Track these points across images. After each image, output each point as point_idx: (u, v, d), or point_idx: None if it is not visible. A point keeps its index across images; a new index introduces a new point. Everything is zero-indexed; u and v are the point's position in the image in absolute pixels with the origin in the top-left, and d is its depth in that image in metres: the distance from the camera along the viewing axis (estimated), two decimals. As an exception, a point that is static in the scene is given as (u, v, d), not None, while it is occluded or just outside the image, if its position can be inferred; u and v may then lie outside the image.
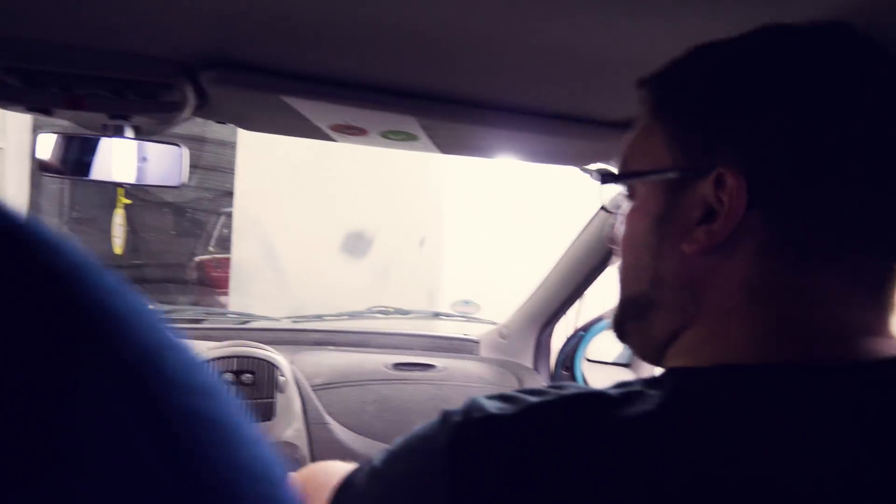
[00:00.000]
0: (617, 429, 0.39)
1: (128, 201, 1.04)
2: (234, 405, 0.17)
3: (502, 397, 0.44)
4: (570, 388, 0.43)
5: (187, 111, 0.87)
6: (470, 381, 1.49)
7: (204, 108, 0.90)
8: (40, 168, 1.03)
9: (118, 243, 1.10)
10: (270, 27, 0.67)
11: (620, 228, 0.52)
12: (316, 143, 1.05)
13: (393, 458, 0.47)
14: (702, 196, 0.44)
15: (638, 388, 0.42)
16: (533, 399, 0.43)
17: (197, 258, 5.09)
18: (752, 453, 0.37)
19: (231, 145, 4.15)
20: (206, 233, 5.14)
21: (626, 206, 0.52)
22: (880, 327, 0.44)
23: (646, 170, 0.49)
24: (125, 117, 0.89)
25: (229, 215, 4.36)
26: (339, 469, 0.57)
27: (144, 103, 0.83)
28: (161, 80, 0.79)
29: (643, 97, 0.51)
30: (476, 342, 1.69)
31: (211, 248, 5.23)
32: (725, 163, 0.43)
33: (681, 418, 0.39)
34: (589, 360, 1.65)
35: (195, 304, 4.33)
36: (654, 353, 0.51)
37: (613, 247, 0.54)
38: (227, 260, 4.11)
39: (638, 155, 0.51)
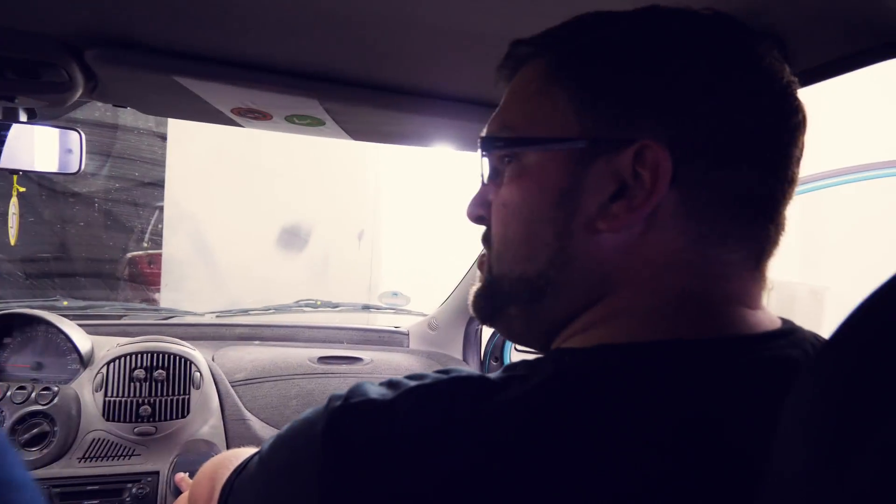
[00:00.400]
0: (488, 412, 0.38)
1: (21, 189, 0.98)
2: None
3: (388, 383, 0.43)
4: (453, 372, 0.42)
5: (77, 93, 0.82)
6: (397, 374, 1.47)
7: (97, 90, 0.85)
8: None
9: (13, 234, 1.04)
10: (159, 5, 0.63)
11: (503, 195, 0.49)
12: (247, 135, 1.02)
13: (279, 443, 0.46)
14: (615, 169, 0.43)
15: (522, 371, 0.41)
16: (412, 383, 0.41)
17: (129, 254, 4.91)
18: (621, 434, 0.36)
19: (146, 132, 4.00)
20: (138, 228, 4.96)
21: (508, 174, 0.48)
22: (758, 300, 0.45)
23: (547, 137, 0.45)
24: (9, 98, 0.84)
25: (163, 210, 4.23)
26: (246, 454, 0.56)
27: (26, 83, 0.78)
28: (42, 58, 0.74)
29: (525, 57, 0.49)
30: (406, 334, 1.68)
31: (145, 244, 5.05)
32: (648, 136, 0.42)
33: (552, 401, 0.38)
34: (518, 350, 1.66)
35: (126, 301, 4.17)
36: (541, 339, 0.49)
37: (482, 220, 0.52)
38: (160, 256, 3.97)
39: (531, 120, 0.47)
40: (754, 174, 0.43)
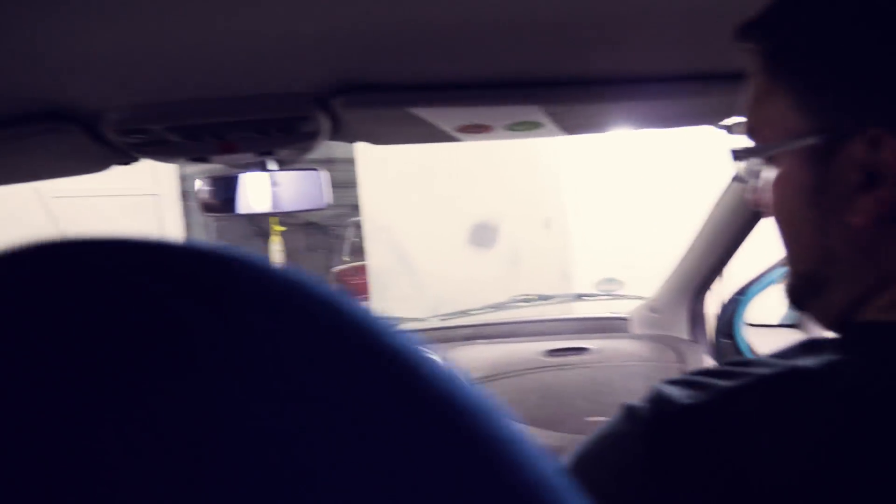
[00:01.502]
0: (832, 408, 0.37)
1: (282, 228, 1.11)
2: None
3: (686, 383, 0.41)
4: (759, 368, 0.40)
5: (324, 138, 0.92)
6: (628, 361, 1.45)
7: (339, 133, 0.94)
8: (204, 209, 1.13)
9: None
10: (391, 46, 0.69)
11: (767, 195, 0.47)
12: (428, 144, 1.07)
13: (582, 466, 0.44)
14: (856, 160, 0.40)
15: (830, 356, 0.39)
16: (724, 383, 0.40)
17: (334, 269, 5.38)
18: None
19: (336, 160, 4.35)
20: (338, 244, 5.42)
21: (769, 173, 0.47)
22: None
23: (780, 139, 0.44)
24: (270, 153, 0.96)
25: (357, 225, 4.59)
26: None
27: (286, 137, 0.88)
28: (299, 114, 0.84)
29: (751, 50, 0.46)
30: (625, 319, 1.65)
31: (346, 258, 5.52)
32: (878, 121, 0.39)
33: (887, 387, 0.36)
34: (750, 325, 1.56)
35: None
36: (839, 324, 0.47)
37: (765, 213, 0.50)
38: (363, 267, 4.31)
39: (765, 122, 0.46)
40: None
